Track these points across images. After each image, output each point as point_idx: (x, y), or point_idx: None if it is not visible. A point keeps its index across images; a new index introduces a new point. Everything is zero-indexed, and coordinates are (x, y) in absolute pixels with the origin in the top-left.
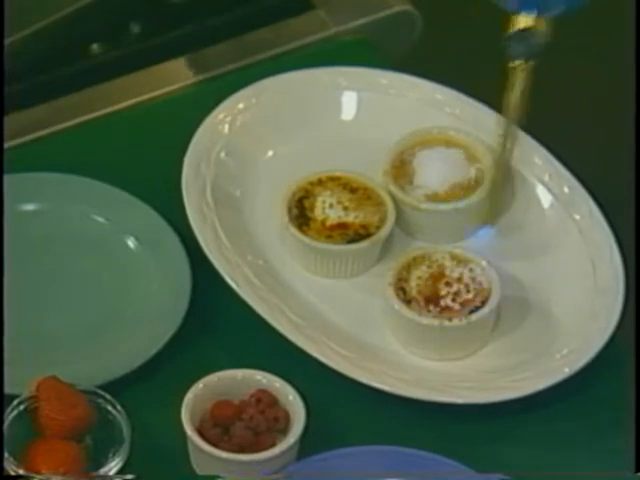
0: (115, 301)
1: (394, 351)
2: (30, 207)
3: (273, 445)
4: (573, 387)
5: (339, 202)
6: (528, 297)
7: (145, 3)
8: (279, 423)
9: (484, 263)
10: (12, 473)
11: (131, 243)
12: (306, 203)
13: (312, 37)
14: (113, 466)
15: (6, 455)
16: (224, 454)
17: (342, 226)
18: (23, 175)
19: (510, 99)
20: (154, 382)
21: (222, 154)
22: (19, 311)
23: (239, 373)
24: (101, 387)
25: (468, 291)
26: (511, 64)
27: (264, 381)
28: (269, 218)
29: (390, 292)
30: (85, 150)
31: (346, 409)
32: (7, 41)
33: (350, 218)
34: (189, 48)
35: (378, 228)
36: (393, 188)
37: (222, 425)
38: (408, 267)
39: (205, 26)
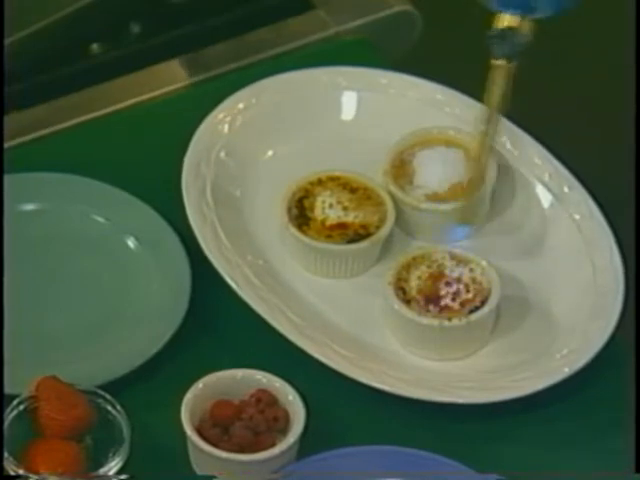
0: (115, 301)
1: (394, 351)
2: (30, 207)
3: (273, 445)
4: (573, 387)
5: (339, 202)
6: (528, 297)
7: (145, 3)
8: (279, 423)
9: (484, 263)
10: (12, 473)
11: (131, 243)
12: (306, 203)
13: (312, 37)
14: (113, 466)
15: (6, 455)
16: (224, 454)
17: (342, 226)
18: (23, 175)
19: (490, 98)
20: (154, 382)
21: (222, 154)
22: (19, 311)
23: (239, 373)
24: (101, 387)
25: (468, 291)
26: (493, 62)
27: (264, 381)
28: (269, 218)
29: (390, 292)
30: (85, 150)
31: (346, 409)
32: (7, 41)
33: (350, 218)
34: (189, 48)
35: (378, 228)
36: (393, 188)
37: (222, 425)
38: (408, 267)
39: (205, 26)
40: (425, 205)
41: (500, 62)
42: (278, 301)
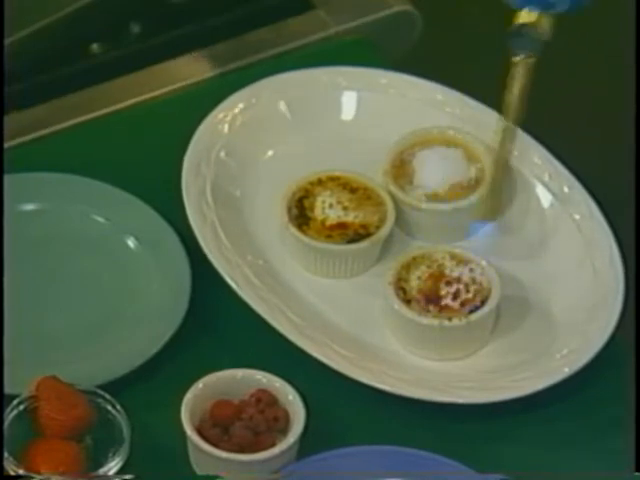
0: (115, 301)
1: (394, 351)
2: (30, 207)
3: (273, 445)
4: (573, 387)
5: (339, 202)
6: (528, 297)
7: (145, 3)
8: (279, 423)
9: (484, 263)
10: (12, 473)
11: (131, 243)
12: (306, 203)
13: (312, 37)
14: (113, 466)
15: (6, 455)
16: (224, 454)
17: (342, 226)
18: (23, 175)
19: (509, 94)
20: (154, 382)
21: (222, 154)
22: (19, 311)
23: (239, 373)
24: (101, 387)
25: (468, 291)
26: (513, 59)
27: (264, 381)
28: (269, 218)
29: (390, 292)
30: (85, 150)
31: (346, 409)
32: (7, 41)
33: (350, 218)
34: (189, 48)
35: (378, 228)
36: (393, 188)
37: (222, 425)
38: (408, 267)
39: (205, 26)
40: (425, 205)
41: (519, 58)
42: (278, 301)
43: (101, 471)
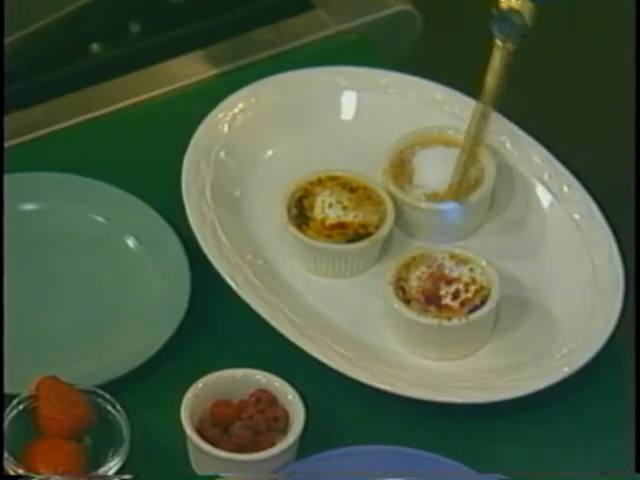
0: (115, 301)
1: (394, 351)
2: (30, 207)
3: (273, 445)
4: (573, 387)
5: (338, 202)
6: (528, 297)
7: (145, 3)
8: (279, 422)
9: (484, 263)
10: (11, 473)
11: (131, 243)
12: (305, 202)
13: (312, 36)
14: (112, 466)
15: (5, 455)
16: (223, 454)
17: (341, 225)
18: (23, 175)
19: (487, 77)
20: (154, 382)
21: (222, 154)
22: (19, 311)
23: (238, 372)
24: (101, 387)
25: (467, 291)
26: (495, 43)
27: (264, 380)
28: (269, 218)
29: (390, 292)
30: (85, 150)
31: (346, 409)
32: (7, 41)
33: (349, 217)
34: (189, 47)
35: (377, 228)
36: (392, 188)
37: (221, 425)
38: (408, 266)
39: (205, 26)
40: (425, 205)
41: (500, 43)
42: (278, 301)
43: (101, 471)
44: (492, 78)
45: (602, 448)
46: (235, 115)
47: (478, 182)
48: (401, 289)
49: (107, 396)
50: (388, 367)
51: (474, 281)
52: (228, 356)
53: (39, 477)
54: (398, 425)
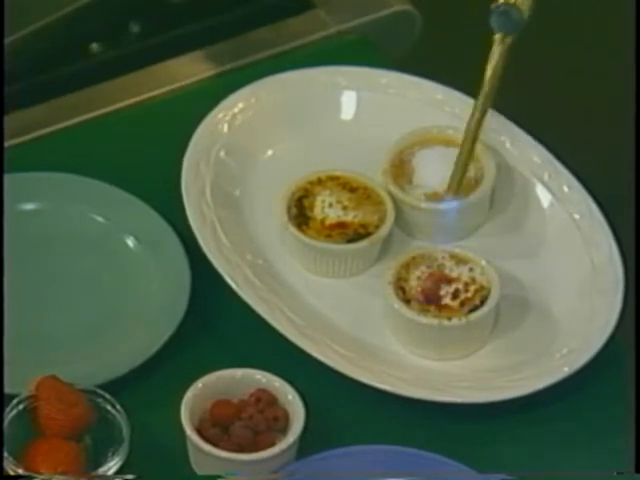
0: (115, 301)
1: (394, 351)
2: (30, 206)
3: (272, 444)
4: (573, 387)
5: (338, 201)
6: (527, 296)
7: (145, 3)
8: (278, 422)
9: (483, 262)
10: (11, 473)
11: (131, 243)
12: (305, 202)
13: (312, 36)
14: (112, 465)
15: (5, 454)
16: (223, 453)
17: (341, 225)
18: (23, 175)
19: (487, 72)
20: (153, 382)
21: (222, 153)
22: (19, 311)
23: (238, 372)
24: (101, 387)
25: (467, 290)
26: (494, 38)
27: (263, 380)
28: (268, 217)
29: (389, 291)
30: (85, 150)
31: (345, 409)
32: (7, 40)
33: (349, 217)
34: (189, 47)
35: (377, 227)
36: (392, 187)
37: (221, 424)
38: (407, 266)
39: (205, 25)
40: (425, 204)
41: (498, 36)
42: (278, 301)
43: (100, 471)
44: (491, 73)
45: (602, 448)
46: (235, 115)
47: (478, 182)
48: (401, 289)
49: (107, 396)
50: (388, 367)
51: (474, 281)
52: (228, 356)
53: (39, 477)
54: (398, 425)
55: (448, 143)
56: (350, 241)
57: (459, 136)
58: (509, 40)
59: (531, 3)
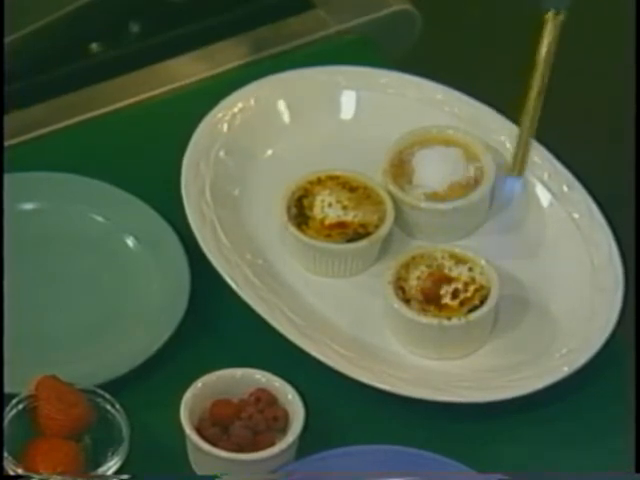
0: (115, 301)
1: (394, 351)
2: (30, 206)
3: (272, 444)
4: (573, 386)
5: (338, 201)
6: (527, 296)
7: (145, 3)
8: (278, 422)
9: (483, 262)
10: (11, 472)
11: (131, 243)
12: (305, 202)
13: (312, 36)
14: (112, 465)
15: (5, 454)
16: (223, 453)
17: (341, 225)
18: (23, 174)
19: (538, 53)
20: (153, 381)
21: (221, 153)
22: (19, 311)
23: (238, 372)
24: (100, 386)
25: (467, 290)
26: (545, 15)
27: (263, 380)
28: (268, 217)
29: (389, 291)
30: (85, 150)
31: (345, 408)
32: (7, 40)
33: (349, 217)
34: (188, 47)
35: (377, 227)
36: (392, 187)
37: (221, 424)
38: (407, 266)
39: (205, 25)
40: (424, 204)
41: (550, 14)
42: (278, 301)
43: (100, 470)
44: (546, 51)
45: (602, 448)
46: (235, 114)
47: (478, 182)
48: (401, 289)
49: (107, 396)
50: (388, 367)
51: (473, 280)
52: (228, 356)
53: (39, 477)
54: (398, 425)
55: (448, 143)
56: (350, 241)
57: (459, 136)
58: (561, 17)
59: None
